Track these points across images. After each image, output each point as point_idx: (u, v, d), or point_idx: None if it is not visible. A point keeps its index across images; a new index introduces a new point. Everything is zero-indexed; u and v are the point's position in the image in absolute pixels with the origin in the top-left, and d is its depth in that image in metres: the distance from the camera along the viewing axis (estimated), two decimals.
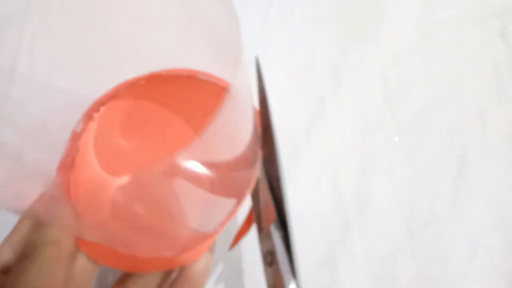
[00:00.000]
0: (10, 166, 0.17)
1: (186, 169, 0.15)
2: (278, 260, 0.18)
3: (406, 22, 0.34)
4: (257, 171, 0.20)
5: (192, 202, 0.18)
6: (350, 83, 0.32)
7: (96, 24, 0.20)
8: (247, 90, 0.17)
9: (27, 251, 0.17)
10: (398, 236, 0.28)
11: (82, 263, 0.19)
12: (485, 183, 0.29)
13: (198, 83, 0.23)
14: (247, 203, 0.21)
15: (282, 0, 0.35)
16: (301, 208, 0.29)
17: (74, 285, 0.18)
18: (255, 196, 0.21)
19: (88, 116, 0.23)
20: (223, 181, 0.18)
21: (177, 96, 0.23)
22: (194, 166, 0.15)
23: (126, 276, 0.20)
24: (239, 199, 0.20)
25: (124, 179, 0.21)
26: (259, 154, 0.21)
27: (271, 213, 0.19)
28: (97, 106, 0.23)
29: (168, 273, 0.20)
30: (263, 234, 0.20)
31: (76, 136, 0.22)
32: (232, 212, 0.20)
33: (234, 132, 0.17)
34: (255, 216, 0.21)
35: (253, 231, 0.21)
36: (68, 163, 0.21)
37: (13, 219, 0.19)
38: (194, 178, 0.16)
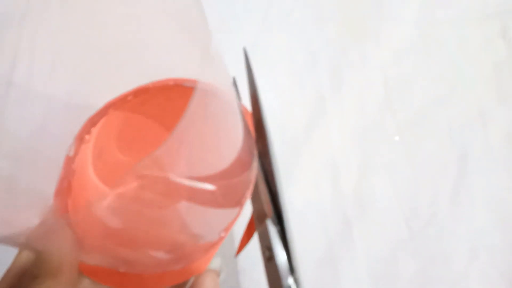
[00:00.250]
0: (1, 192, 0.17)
1: (182, 180, 0.14)
2: (275, 256, 0.18)
3: (406, 22, 0.34)
4: (254, 171, 0.20)
5: (192, 213, 0.18)
6: (350, 82, 0.32)
7: (96, 24, 0.20)
8: (229, 88, 0.17)
9: (25, 284, 0.17)
10: (398, 236, 0.28)
11: None
12: (485, 182, 0.29)
13: (185, 91, 0.23)
14: (248, 206, 0.21)
15: (282, 0, 0.35)
16: (302, 208, 0.29)
17: None
18: (253, 191, 0.20)
19: (80, 139, 0.22)
20: (222, 187, 0.18)
21: (166, 107, 0.23)
22: (189, 175, 0.15)
23: None
24: (241, 203, 0.20)
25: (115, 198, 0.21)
26: (255, 153, 0.20)
27: (268, 207, 0.19)
28: (87, 127, 0.23)
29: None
30: (261, 229, 0.19)
31: (70, 160, 0.22)
32: (235, 217, 0.19)
33: (220, 133, 0.17)
34: (253, 210, 0.20)
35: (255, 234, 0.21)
36: (65, 188, 0.21)
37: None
38: (191, 189, 0.15)
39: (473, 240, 0.28)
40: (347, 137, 0.31)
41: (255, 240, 0.21)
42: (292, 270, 0.18)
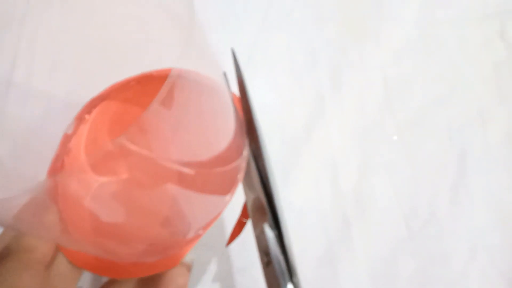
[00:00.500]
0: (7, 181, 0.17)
1: (170, 163, 0.14)
2: (273, 261, 0.18)
3: (406, 21, 0.34)
4: (242, 167, 0.19)
5: (177, 203, 0.17)
6: (350, 82, 0.32)
7: (95, 24, 0.20)
8: (219, 77, 0.16)
9: (0, 257, 0.17)
10: (397, 235, 0.28)
11: (63, 269, 0.19)
12: (485, 182, 0.29)
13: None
14: (242, 196, 0.21)
15: (282, 0, 0.35)
16: (301, 208, 0.29)
17: None
18: (248, 193, 0.20)
19: (79, 119, 0.22)
20: (204, 177, 0.17)
21: None
22: (177, 160, 0.15)
23: (109, 284, 0.19)
24: (223, 201, 0.19)
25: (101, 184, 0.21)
26: (246, 142, 0.20)
27: (264, 211, 0.19)
28: (88, 108, 0.23)
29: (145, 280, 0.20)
30: (258, 233, 0.19)
31: (67, 139, 0.22)
32: (216, 216, 0.19)
33: (210, 120, 0.16)
34: (250, 212, 0.20)
35: (250, 227, 0.21)
36: (58, 166, 0.21)
37: None
38: (178, 174, 0.15)
39: (472, 239, 0.28)
40: (347, 137, 0.31)
41: (251, 239, 0.21)
42: (291, 275, 0.18)
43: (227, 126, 0.18)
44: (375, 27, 0.34)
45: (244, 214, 0.22)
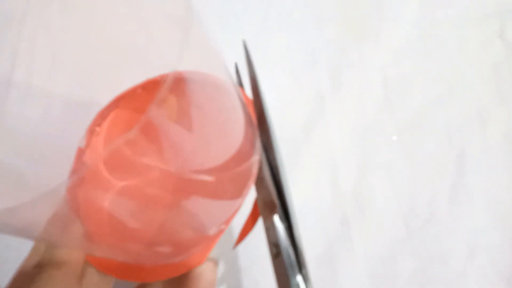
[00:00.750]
0: (13, 186, 0.17)
1: (186, 174, 0.15)
2: (283, 253, 0.18)
3: (406, 22, 0.34)
4: (257, 160, 0.20)
5: (195, 206, 0.18)
6: (350, 82, 0.32)
7: (95, 24, 0.20)
8: (227, 77, 0.16)
9: (32, 272, 0.17)
10: (397, 235, 0.28)
11: (95, 279, 0.19)
12: (484, 182, 0.29)
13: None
14: (250, 197, 0.21)
15: (282, 0, 0.35)
16: (301, 207, 0.29)
17: None
18: (259, 186, 0.20)
19: (91, 131, 0.23)
20: (222, 179, 0.18)
21: None
22: (191, 168, 0.15)
23: None
24: (242, 194, 0.19)
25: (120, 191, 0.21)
26: (258, 141, 0.20)
27: (274, 203, 0.19)
28: (98, 120, 0.23)
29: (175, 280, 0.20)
30: (268, 225, 0.19)
31: (81, 152, 0.22)
32: (236, 209, 0.19)
33: (221, 123, 0.16)
34: (260, 206, 0.20)
35: (257, 228, 0.21)
36: (77, 181, 0.21)
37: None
38: (194, 182, 0.15)
39: (471, 239, 0.28)
40: (347, 137, 0.31)
41: (254, 239, 0.21)
42: (300, 266, 0.18)
43: (237, 123, 0.18)
44: (375, 27, 0.34)
45: (255, 212, 0.22)
